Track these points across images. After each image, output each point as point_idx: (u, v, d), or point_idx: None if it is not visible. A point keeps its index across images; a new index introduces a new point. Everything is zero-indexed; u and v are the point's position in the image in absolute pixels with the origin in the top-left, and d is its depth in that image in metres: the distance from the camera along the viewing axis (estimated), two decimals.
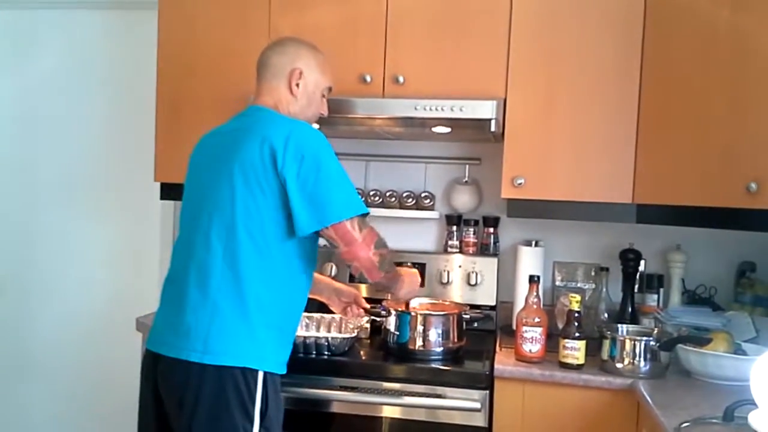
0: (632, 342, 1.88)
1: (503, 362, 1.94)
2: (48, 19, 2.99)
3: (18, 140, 3.05)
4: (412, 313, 2.02)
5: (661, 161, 2.01)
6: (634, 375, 1.85)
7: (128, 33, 2.92)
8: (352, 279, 2.49)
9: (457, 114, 2.05)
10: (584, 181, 2.10)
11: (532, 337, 1.95)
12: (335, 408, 1.94)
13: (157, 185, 2.44)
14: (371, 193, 2.57)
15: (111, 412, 2.90)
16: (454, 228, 2.55)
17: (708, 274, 2.36)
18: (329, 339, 1.98)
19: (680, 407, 1.57)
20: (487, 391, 1.89)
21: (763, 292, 2.21)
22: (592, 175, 2.10)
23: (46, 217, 3.04)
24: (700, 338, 1.87)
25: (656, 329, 2.03)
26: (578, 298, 1.96)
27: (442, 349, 2.00)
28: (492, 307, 2.44)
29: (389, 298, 2.01)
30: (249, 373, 1.55)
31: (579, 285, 2.46)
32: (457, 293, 2.47)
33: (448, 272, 2.47)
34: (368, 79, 2.20)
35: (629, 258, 2.30)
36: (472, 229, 2.54)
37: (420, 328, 1.99)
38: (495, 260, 2.48)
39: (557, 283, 2.49)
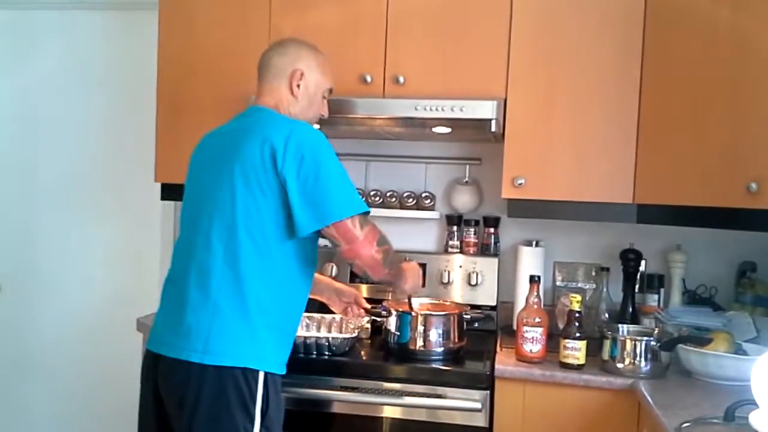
0: (633, 342, 1.88)
1: (504, 362, 1.94)
2: (48, 20, 2.99)
3: (18, 140, 3.05)
4: (413, 314, 2.02)
5: (661, 161, 2.01)
6: (635, 375, 1.85)
7: (128, 33, 2.93)
8: (352, 279, 2.50)
9: (457, 114, 2.05)
10: (585, 181, 2.10)
11: (532, 337, 1.95)
12: (336, 408, 1.94)
13: (158, 186, 2.44)
14: (372, 193, 2.57)
15: (111, 412, 2.90)
16: (455, 228, 2.55)
17: (708, 274, 2.36)
18: (330, 339, 1.98)
19: (681, 407, 1.57)
20: (488, 392, 1.89)
21: (763, 292, 2.21)
22: (593, 175, 2.10)
23: (47, 217, 3.04)
24: (700, 338, 1.87)
25: (657, 329, 2.03)
26: (579, 298, 1.96)
27: (442, 349, 2.00)
28: (492, 308, 2.44)
29: (395, 292, 1.99)
30: (250, 374, 1.55)
31: (579, 285, 2.46)
32: (458, 293, 2.47)
33: (449, 272, 2.47)
34: (368, 79, 2.20)
35: (630, 258, 2.30)
36: (472, 230, 2.54)
37: (420, 328, 1.99)
38: (495, 260, 2.48)
39: (558, 283, 2.49)
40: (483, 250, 2.53)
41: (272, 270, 1.60)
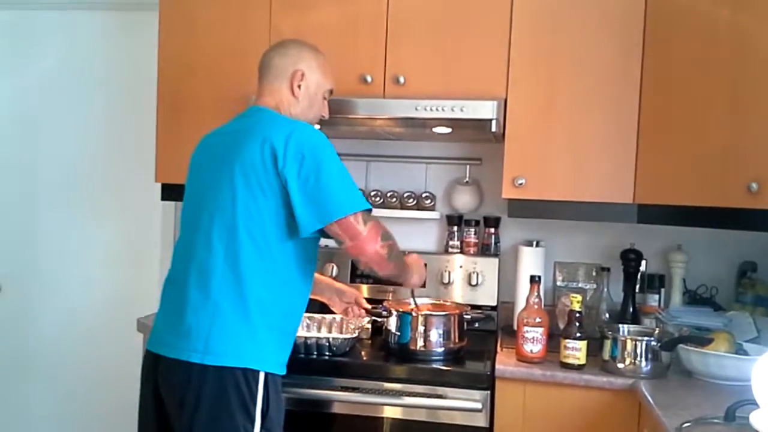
0: (633, 342, 1.88)
1: (504, 362, 1.94)
2: (48, 20, 2.99)
3: (18, 140, 3.05)
4: (416, 310, 2.02)
5: (661, 161, 2.01)
6: (636, 375, 1.85)
7: (128, 33, 2.92)
8: (353, 279, 2.50)
9: (457, 114, 2.05)
10: (585, 181, 2.10)
11: (533, 338, 1.95)
12: (336, 408, 1.94)
13: (158, 186, 2.44)
14: (372, 193, 2.57)
15: (111, 412, 2.90)
16: (455, 228, 2.55)
17: (709, 274, 2.36)
18: (330, 339, 1.98)
19: (681, 407, 1.57)
20: (488, 392, 1.88)
21: (764, 292, 2.21)
22: (593, 175, 2.10)
23: (47, 217, 3.04)
24: (701, 338, 1.87)
25: (657, 329, 2.03)
26: (579, 298, 1.95)
27: (443, 349, 2.00)
28: (493, 308, 2.44)
29: (403, 286, 1.99)
30: (250, 374, 1.55)
31: (580, 285, 2.46)
32: (458, 293, 2.46)
33: (449, 272, 2.47)
34: (369, 79, 2.20)
35: (630, 258, 2.30)
36: (473, 230, 2.54)
37: (421, 328, 1.99)
38: (496, 260, 2.48)
39: (558, 283, 2.49)
40: (483, 250, 2.53)
41: (273, 270, 1.60)
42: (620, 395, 1.84)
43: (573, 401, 1.88)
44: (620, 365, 1.88)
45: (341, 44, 2.20)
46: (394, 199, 2.57)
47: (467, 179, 2.54)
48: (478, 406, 1.86)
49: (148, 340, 1.69)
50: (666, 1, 2.01)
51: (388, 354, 2.05)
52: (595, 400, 1.87)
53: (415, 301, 2.08)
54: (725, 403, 1.44)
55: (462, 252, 2.53)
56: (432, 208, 2.55)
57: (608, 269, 2.36)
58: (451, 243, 2.55)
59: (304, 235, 1.59)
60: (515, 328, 2.08)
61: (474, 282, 2.45)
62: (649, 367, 1.86)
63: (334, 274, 2.48)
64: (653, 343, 1.87)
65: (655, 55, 2.04)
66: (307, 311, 1.78)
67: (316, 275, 1.87)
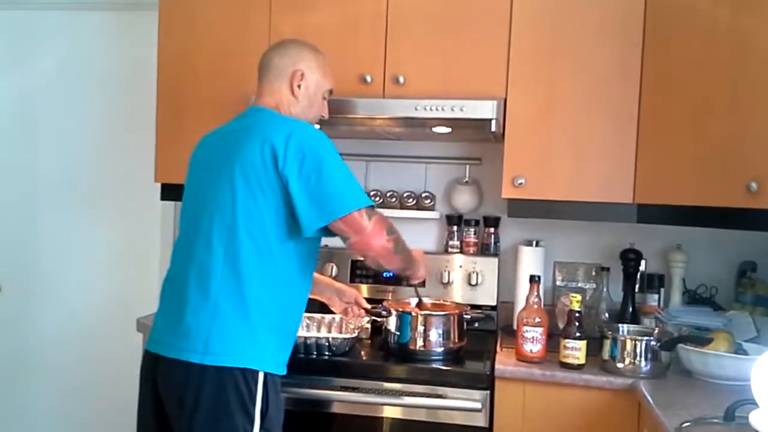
0: (633, 342, 1.88)
1: (504, 362, 1.94)
2: (48, 20, 2.99)
3: (18, 140, 3.05)
4: (413, 314, 2.02)
5: (661, 161, 2.01)
6: (635, 375, 1.85)
7: (128, 33, 2.92)
8: (353, 279, 2.50)
9: (457, 114, 2.05)
10: (585, 181, 2.10)
11: (532, 337, 1.95)
12: (336, 408, 1.94)
13: (158, 186, 2.44)
14: (372, 193, 2.57)
15: (111, 412, 2.90)
16: (455, 228, 2.55)
17: (709, 274, 2.36)
18: (330, 339, 1.98)
19: (681, 407, 1.57)
20: (488, 392, 1.88)
21: (763, 292, 2.21)
22: (593, 174, 2.10)
23: (47, 217, 3.04)
24: (701, 338, 1.87)
25: (657, 329, 2.03)
26: (579, 298, 1.95)
27: (442, 349, 2.00)
28: (493, 307, 2.44)
29: (410, 282, 1.98)
30: (249, 374, 1.55)
31: (580, 285, 2.46)
32: (458, 293, 2.46)
33: (449, 272, 2.47)
34: (368, 79, 2.20)
35: (630, 258, 2.30)
36: (472, 229, 2.54)
37: (421, 328, 1.99)
38: (496, 260, 2.48)
39: (558, 283, 2.49)
40: (483, 250, 2.53)
41: (272, 270, 1.60)
42: (620, 395, 1.84)
43: (573, 401, 1.88)
44: (620, 365, 1.88)
45: (341, 44, 2.20)
46: (394, 199, 2.57)
47: (467, 179, 2.54)
48: (478, 405, 1.86)
49: (147, 340, 1.69)
50: (666, 1, 2.01)
51: (387, 354, 2.05)
52: (594, 399, 1.87)
53: (419, 296, 2.08)
54: (725, 403, 1.44)
55: (462, 252, 2.53)
56: (432, 208, 2.55)
57: (608, 269, 2.36)
58: (450, 243, 2.55)
59: (308, 234, 1.59)
60: (515, 327, 2.08)
61: (474, 282, 2.45)
62: (648, 366, 1.86)
63: (333, 273, 2.48)
64: (653, 342, 1.87)
65: (654, 55, 2.04)
66: (306, 311, 1.78)
67: (316, 275, 1.87)
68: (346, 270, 2.52)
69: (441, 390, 1.89)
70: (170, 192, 2.40)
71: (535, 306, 1.98)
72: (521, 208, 2.18)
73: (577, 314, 1.93)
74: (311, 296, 1.84)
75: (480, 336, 2.27)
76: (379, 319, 2.09)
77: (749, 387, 1.32)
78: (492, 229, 2.52)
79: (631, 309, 2.28)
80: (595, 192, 2.10)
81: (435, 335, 1.99)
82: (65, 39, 2.99)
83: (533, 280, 2.01)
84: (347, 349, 2.02)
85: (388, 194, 2.58)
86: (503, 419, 1.90)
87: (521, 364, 1.94)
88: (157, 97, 2.41)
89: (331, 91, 1.85)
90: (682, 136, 1.95)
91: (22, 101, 3.05)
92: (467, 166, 2.54)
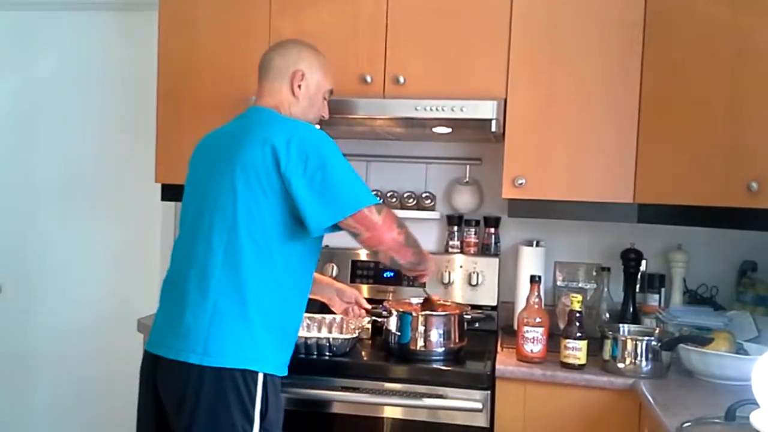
0: (634, 342, 1.88)
1: (505, 362, 1.94)
2: (48, 20, 2.99)
3: (18, 140, 3.05)
4: (413, 314, 2.02)
5: (661, 161, 2.00)
6: (636, 375, 1.85)
7: (128, 34, 2.92)
8: (353, 279, 2.50)
9: (457, 114, 2.05)
10: (585, 181, 2.10)
11: (533, 338, 1.95)
12: (336, 409, 1.94)
13: (158, 186, 2.44)
14: (372, 193, 2.57)
15: (111, 412, 2.90)
16: (455, 228, 2.55)
17: (709, 274, 2.36)
18: (330, 340, 1.98)
19: (682, 407, 1.57)
20: (489, 392, 1.88)
21: (764, 292, 2.21)
22: (593, 174, 2.10)
23: (47, 217, 3.04)
24: (701, 338, 1.87)
25: (658, 329, 2.03)
26: (579, 298, 1.95)
27: (443, 349, 2.00)
28: (493, 308, 2.44)
29: (420, 282, 1.99)
30: (249, 375, 1.55)
31: (580, 285, 2.46)
32: (459, 293, 2.46)
33: (450, 272, 2.47)
34: (369, 79, 2.20)
35: (630, 258, 2.30)
36: (473, 230, 2.54)
37: (421, 328, 1.99)
38: (496, 260, 2.48)
39: (558, 283, 2.49)
40: (483, 250, 2.53)
41: (273, 271, 1.60)
42: (620, 395, 1.84)
43: (573, 401, 1.88)
44: (620, 365, 1.88)
45: (341, 44, 2.20)
46: (394, 199, 2.57)
47: (467, 179, 2.54)
48: (479, 406, 1.86)
49: (147, 341, 1.69)
50: (666, 1, 2.01)
51: (388, 354, 2.05)
52: (595, 400, 1.87)
53: (427, 293, 2.07)
54: (726, 403, 1.44)
55: (462, 252, 2.53)
56: (432, 208, 2.55)
57: (608, 269, 2.36)
58: (451, 243, 2.55)
59: (316, 234, 1.59)
60: (515, 328, 2.08)
61: (474, 282, 2.45)
62: (649, 366, 1.86)
63: (334, 274, 2.48)
64: (653, 342, 1.87)
65: (655, 55, 2.04)
66: (307, 311, 1.78)
67: (316, 275, 1.87)
68: (346, 270, 2.52)
69: (442, 390, 1.89)
70: (170, 192, 2.40)
71: (536, 306, 1.98)
72: (522, 208, 2.18)
73: (577, 314, 1.93)
74: (311, 296, 1.84)
75: (480, 336, 2.27)
76: (379, 320, 2.09)
77: (750, 387, 1.32)
78: (492, 230, 2.52)
79: (631, 309, 2.28)
80: (596, 192, 2.10)
81: (435, 335, 1.99)
82: (65, 39, 2.99)
83: (534, 280, 2.01)
84: (348, 349, 2.02)
85: (389, 194, 2.58)
86: (504, 419, 1.90)
87: (522, 364, 1.94)
88: (157, 97, 2.41)
89: (331, 92, 1.85)
90: (683, 135, 1.95)
91: (22, 101, 3.05)
92: (467, 167, 2.54)
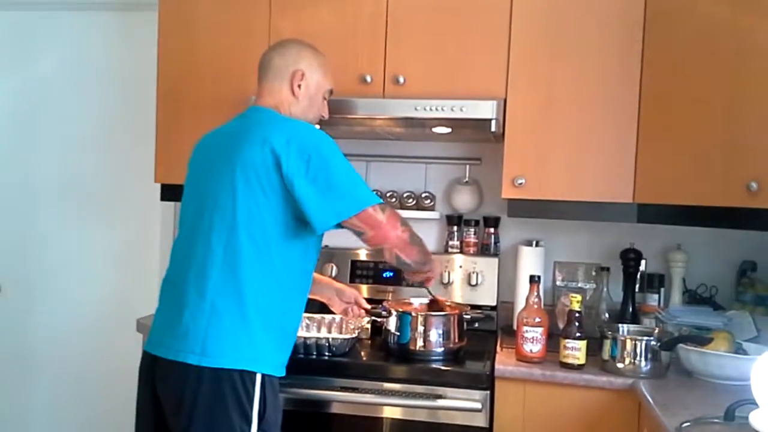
0: (633, 342, 1.88)
1: (504, 362, 1.94)
2: (48, 20, 2.99)
3: (18, 140, 3.06)
4: (413, 314, 2.02)
5: (661, 160, 2.00)
6: (635, 375, 1.85)
7: (128, 34, 2.93)
8: (352, 279, 2.50)
9: (457, 114, 2.05)
10: (585, 181, 2.10)
11: (532, 337, 1.95)
12: (336, 409, 1.94)
13: (157, 186, 2.44)
14: None
15: (110, 412, 2.90)
16: (455, 228, 2.55)
17: (709, 274, 2.36)
18: (330, 340, 1.98)
19: (681, 407, 1.57)
20: (488, 392, 1.88)
21: (763, 292, 2.21)
22: (593, 174, 2.10)
23: (47, 217, 3.04)
24: (701, 338, 1.87)
25: (657, 329, 2.03)
26: (579, 298, 1.95)
27: (442, 349, 1.99)
28: (493, 308, 2.44)
29: (427, 286, 1.98)
30: (247, 376, 1.54)
31: (580, 285, 2.46)
32: (458, 293, 2.46)
33: (449, 272, 2.47)
34: (368, 79, 2.20)
35: (630, 258, 2.30)
36: (472, 230, 2.54)
37: (421, 328, 1.99)
38: (496, 260, 2.48)
39: (558, 283, 2.49)
40: (483, 250, 2.53)
41: (272, 271, 1.60)
42: (620, 395, 1.84)
43: (573, 401, 1.88)
44: (620, 365, 1.88)
45: (341, 44, 2.20)
46: (394, 199, 2.57)
47: (467, 179, 2.54)
48: (478, 406, 1.86)
49: (146, 341, 1.69)
50: (665, 1, 2.01)
51: (387, 354, 2.05)
52: (594, 399, 1.87)
53: (432, 294, 2.07)
54: (725, 403, 1.44)
55: (462, 252, 2.53)
56: (432, 208, 2.55)
57: (608, 269, 2.36)
58: (450, 243, 2.55)
59: (321, 232, 1.60)
60: (515, 328, 2.08)
61: (474, 282, 2.45)
62: (648, 366, 1.86)
63: (333, 274, 2.48)
64: (653, 342, 1.87)
65: (654, 55, 2.04)
66: (306, 311, 1.78)
67: (316, 275, 1.87)
68: (346, 270, 2.52)
69: (441, 390, 1.89)
70: (170, 192, 2.40)
71: (535, 306, 1.98)
72: (521, 208, 2.18)
73: (577, 314, 1.93)
74: (311, 296, 1.84)
75: (480, 336, 2.27)
76: (379, 320, 2.09)
77: (749, 387, 1.32)
78: (492, 229, 2.52)
79: (631, 309, 2.28)
80: (595, 192, 2.10)
81: (435, 335, 1.99)
82: (65, 39, 2.99)
83: (533, 280, 2.01)
84: (347, 349, 2.02)
85: (388, 194, 2.58)
86: (503, 419, 1.90)
87: (521, 364, 1.94)
88: (157, 97, 2.41)
89: (331, 91, 1.85)
90: (682, 135, 1.95)
91: (22, 101, 3.05)
92: (467, 166, 2.54)
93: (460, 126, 2.16)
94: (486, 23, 2.15)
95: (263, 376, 1.57)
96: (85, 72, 2.98)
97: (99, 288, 3.00)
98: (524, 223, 2.47)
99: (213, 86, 2.33)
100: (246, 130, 1.65)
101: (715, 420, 1.43)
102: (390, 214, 1.64)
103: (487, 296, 2.45)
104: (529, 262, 2.30)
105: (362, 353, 2.07)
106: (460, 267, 2.48)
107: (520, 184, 2.12)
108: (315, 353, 1.97)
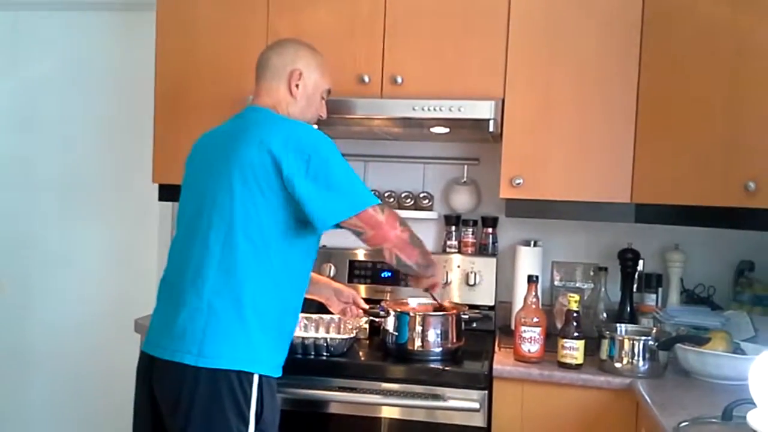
0: (631, 342, 1.88)
1: (502, 362, 1.94)
2: (48, 20, 3.00)
3: (18, 140, 3.06)
4: (411, 314, 2.02)
5: (659, 161, 2.01)
6: (633, 375, 1.85)
7: (128, 33, 2.93)
8: (350, 280, 2.50)
9: (455, 114, 2.05)
10: (582, 181, 2.10)
11: (530, 337, 1.95)
12: (334, 409, 1.94)
13: (156, 186, 2.44)
14: None
15: (108, 412, 2.90)
16: (453, 228, 2.55)
17: (706, 274, 2.36)
18: (328, 340, 1.98)
19: (679, 407, 1.57)
20: (486, 392, 1.88)
21: (761, 291, 2.21)
22: (591, 174, 2.10)
23: (46, 217, 3.04)
24: (698, 338, 1.87)
25: (655, 329, 2.03)
26: (577, 297, 1.95)
27: (440, 349, 1.99)
28: (491, 307, 2.44)
29: (431, 291, 1.96)
30: (244, 376, 1.54)
31: (578, 285, 2.46)
32: (456, 293, 2.46)
33: (447, 272, 2.46)
34: (366, 79, 2.20)
35: (628, 258, 2.30)
36: (470, 230, 2.54)
37: (419, 328, 1.99)
38: (494, 260, 2.48)
39: (556, 282, 2.49)
40: (481, 250, 2.53)
41: (269, 271, 1.60)
42: (618, 395, 1.84)
43: (571, 401, 1.88)
44: (618, 365, 1.88)
45: (339, 44, 2.20)
46: (392, 199, 2.57)
47: (465, 179, 2.54)
48: (476, 406, 1.86)
49: (143, 341, 1.69)
50: (664, 1, 2.01)
51: (385, 354, 2.05)
52: (592, 399, 1.87)
53: (435, 299, 2.07)
54: (723, 403, 1.44)
55: (460, 252, 2.53)
56: (430, 208, 2.55)
57: (606, 269, 2.36)
58: (448, 243, 2.55)
59: (322, 230, 1.60)
60: (513, 327, 2.08)
61: (472, 282, 2.45)
62: (646, 366, 1.86)
63: (331, 274, 2.48)
64: (651, 342, 1.87)
65: (652, 55, 2.04)
66: (304, 311, 1.78)
67: (314, 275, 1.87)
68: (344, 270, 2.52)
69: (439, 390, 1.89)
70: (168, 193, 2.40)
71: (533, 306, 1.98)
72: (519, 208, 2.18)
73: (575, 314, 1.93)
74: (309, 296, 1.84)
75: (478, 336, 2.27)
76: (377, 320, 2.09)
77: (747, 386, 1.32)
78: (490, 229, 2.52)
79: (629, 309, 2.28)
80: (593, 192, 2.10)
81: (433, 335, 1.99)
82: (65, 39, 2.99)
83: (531, 280, 2.01)
84: (345, 349, 2.02)
85: (386, 194, 2.58)
86: (501, 419, 1.90)
87: (519, 364, 1.94)
88: (155, 97, 2.41)
89: (329, 91, 1.85)
90: (680, 135, 1.95)
91: (22, 101, 3.05)
92: (465, 167, 2.54)
93: (458, 126, 2.16)
94: (484, 24, 2.15)
95: (260, 376, 1.57)
96: (85, 72, 2.98)
97: (97, 287, 3.00)
98: (522, 223, 2.47)
99: (211, 86, 2.33)
100: (243, 130, 1.64)
101: (713, 420, 1.44)
102: (389, 214, 1.64)
103: (485, 296, 2.45)
104: (527, 262, 2.30)
105: (360, 353, 2.07)
106: (458, 267, 2.48)
107: (518, 184, 2.12)
108: (313, 353, 1.97)
